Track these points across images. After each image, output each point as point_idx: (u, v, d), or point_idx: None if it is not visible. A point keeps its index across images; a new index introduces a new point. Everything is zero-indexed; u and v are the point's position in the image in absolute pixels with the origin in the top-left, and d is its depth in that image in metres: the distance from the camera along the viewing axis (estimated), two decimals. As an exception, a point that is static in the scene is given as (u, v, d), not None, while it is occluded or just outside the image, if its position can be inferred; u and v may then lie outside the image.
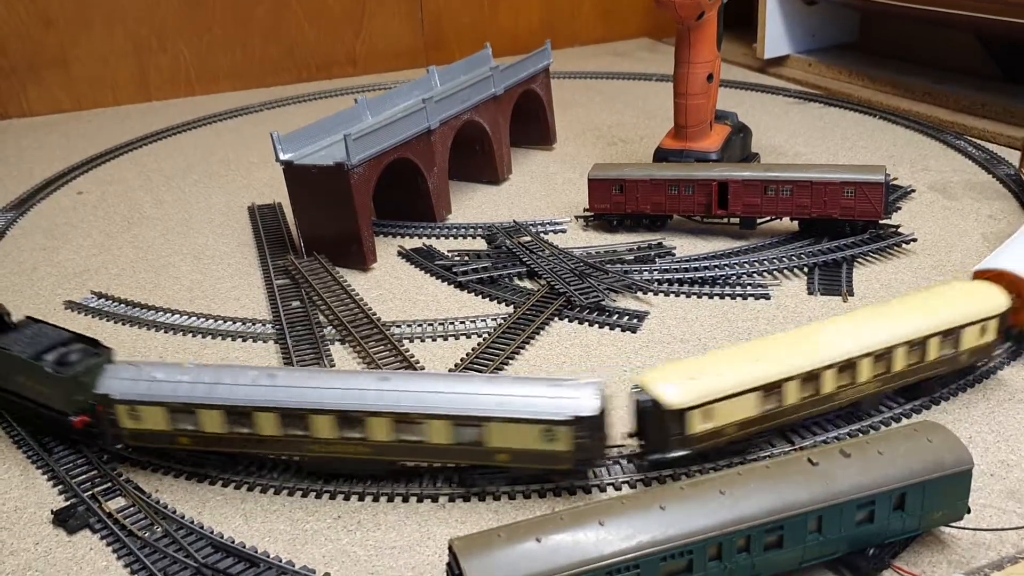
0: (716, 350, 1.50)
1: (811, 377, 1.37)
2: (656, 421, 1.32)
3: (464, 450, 1.33)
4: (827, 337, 1.41)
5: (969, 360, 1.51)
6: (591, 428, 1.29)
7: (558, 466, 1.32)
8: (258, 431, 1.36)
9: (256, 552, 1.26)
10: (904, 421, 1.46)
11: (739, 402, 1.33)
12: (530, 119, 2.78)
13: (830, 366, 1.38)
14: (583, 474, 1.36)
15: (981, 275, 1.60)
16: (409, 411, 1.32)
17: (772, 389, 1.35)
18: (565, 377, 1.51)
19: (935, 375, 1.49)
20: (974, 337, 1.48)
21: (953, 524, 1.20)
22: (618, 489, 1.36)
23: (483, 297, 1.95)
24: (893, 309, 1.48)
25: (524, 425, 1.29)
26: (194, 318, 1.93)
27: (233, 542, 1.28)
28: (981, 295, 1.51)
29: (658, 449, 1.34)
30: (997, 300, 1.49)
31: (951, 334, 1.46)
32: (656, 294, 1.91)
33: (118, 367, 1.44)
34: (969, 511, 1.19)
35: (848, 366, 1.39)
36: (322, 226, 2.09)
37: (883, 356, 1.41)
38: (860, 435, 1.42)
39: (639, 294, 1.91)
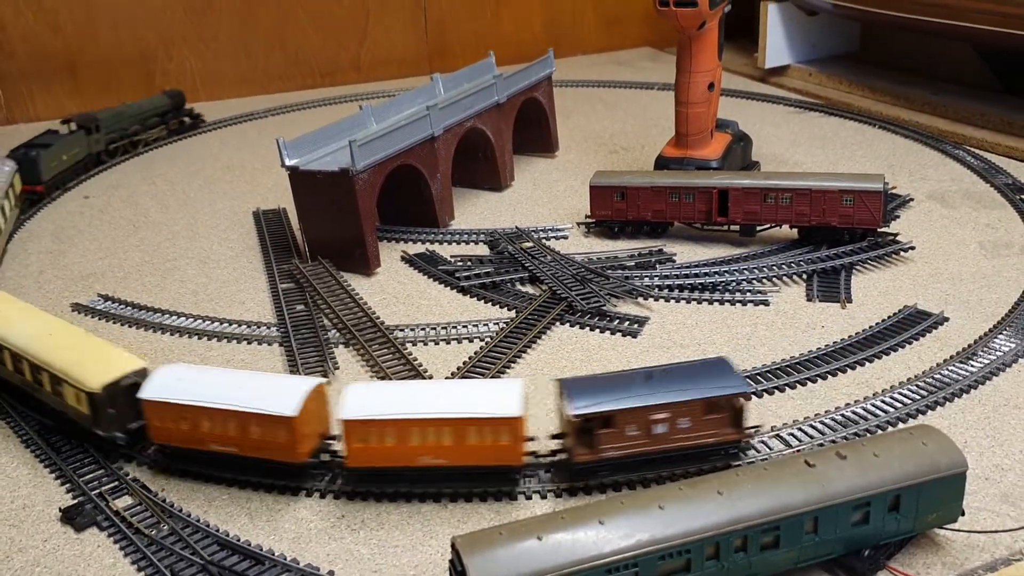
0: None
1: None
2: None
3: None
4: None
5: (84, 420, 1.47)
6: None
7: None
8: None
9: (261, 550, 1.28)
10: (900, 425, 1.48)
11: None
12: (532, 127, 2.81)
13: None
14: None
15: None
16: None
17: None
18: None
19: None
20: (72, 396, 1.47)
21: (947, 526, 1.22)
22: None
23: (485, 302, 1.97)
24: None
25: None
26: (199, 320, 1.95)
27: (239, 540, 1.30)
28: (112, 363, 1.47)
29: None
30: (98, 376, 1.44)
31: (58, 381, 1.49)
32: (657, 300, 1.93)
33: None
34: (963, 513, 1.21)
35: None
36: (327, 231, 2.11)
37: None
38: (856, 437, 1.44)
39: (640, 300, 1.93)
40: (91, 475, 1.46)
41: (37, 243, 2.44)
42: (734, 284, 1.96)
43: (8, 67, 3.55)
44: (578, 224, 2.31)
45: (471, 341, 1.82)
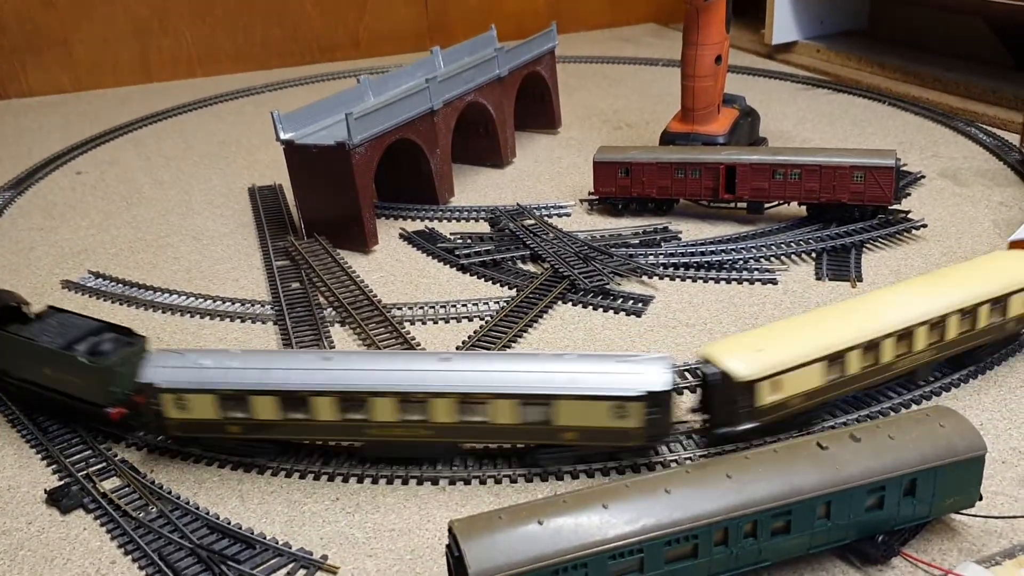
0: (777, 322, 1.48)
1: (872, 346, 1.37)
2: (724, 394, 1.30)
3: (530, 430, 1.30)
4: (885, 306, 1.43)
5: (1016, 328, 1.52)
6: (662, 403, 1.26)
7: (628, 443, 1.30)
8: (315, 416, 1.32)
9: (253, 533, 1.24)
10: (914, 407, 1.43)
11: (805, 372, 1.33)
12: (535, 102, 2.75)
13: (890, 335, 1.38)
14: (650, 450, 1.34)
15: (1017, 245, 1.61)
16: (473, 391, 1.28)
17: (836, 358, 1.35)
18: (631, 352, 1.51)
19: (983, 343, 1.50)
20: (1022, 304, 1.49)
21: (964, 511, 1.18)
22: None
23: (486, 280, 1.92)
24: (944, 278, 1.51)
25: (594, 402, 1.27)
26: (192, 298, 1.90)
27: (229, 523, 1.26)
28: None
29: (726, 423, 1.32)
30: None
31: (1000, 302, 1.47)
32: (662, 278, 1.88)
33: (161, 355, 1.36)
34: (981, 498, 1.17)
35: (906, 335, 1.40)
36: (323, 207, 2.06)
37: (938, 324, 1.42)
38: (870, 420, 1.39)
39: (644, 278, 1.88)
40: (78, 456, 1.42)
41: (28, 219, 2.39)
42: (741, 262, 1.91)
43: (0, 41, 3.48)
44: (581, 201, 2.26)
45: (471, 320, 1.77)
